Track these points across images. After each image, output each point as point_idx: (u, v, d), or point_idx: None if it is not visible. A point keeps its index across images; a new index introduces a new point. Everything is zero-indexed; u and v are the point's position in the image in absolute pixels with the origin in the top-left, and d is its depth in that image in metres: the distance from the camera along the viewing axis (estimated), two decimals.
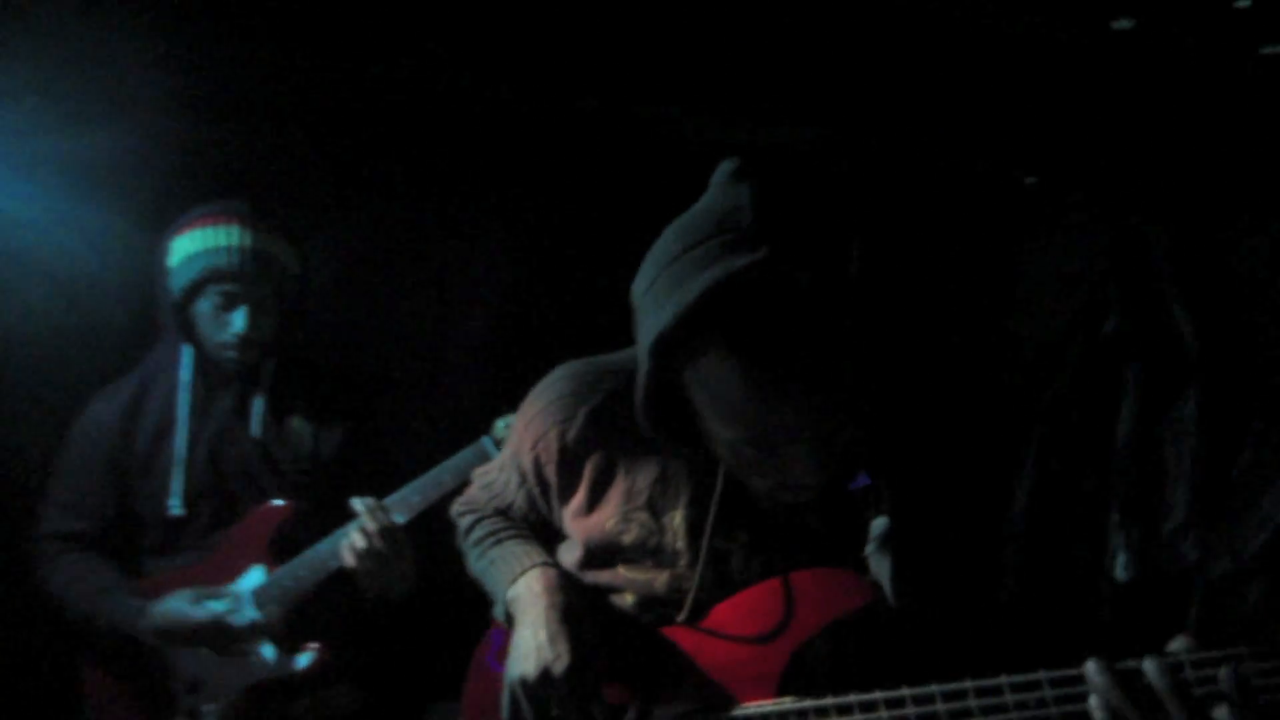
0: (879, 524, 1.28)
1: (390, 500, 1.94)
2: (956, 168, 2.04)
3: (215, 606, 1.98)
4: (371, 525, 1.89)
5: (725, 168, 1.14)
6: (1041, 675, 1.08)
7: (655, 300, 1.08)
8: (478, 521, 1.50)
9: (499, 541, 1.44)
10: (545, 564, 1.36)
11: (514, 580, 1.34)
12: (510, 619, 1.34)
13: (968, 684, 1.11)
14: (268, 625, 2.01)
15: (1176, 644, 1.02)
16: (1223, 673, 0.97)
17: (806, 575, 1.26)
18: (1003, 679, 1.09)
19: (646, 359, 1.11)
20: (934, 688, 1.12)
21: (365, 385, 2.26)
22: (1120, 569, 1.85)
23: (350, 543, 1.90)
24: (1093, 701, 1.03)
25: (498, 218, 2.60)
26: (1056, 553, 1.92)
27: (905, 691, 1.14)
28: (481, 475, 1.58)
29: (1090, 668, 1.02)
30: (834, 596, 1.25)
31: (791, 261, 1.02)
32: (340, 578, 1.96)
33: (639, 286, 1.14)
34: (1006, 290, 2.06)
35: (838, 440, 1.11)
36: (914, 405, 1.35)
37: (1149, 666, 1.00)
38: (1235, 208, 1.75)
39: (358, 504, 1.91)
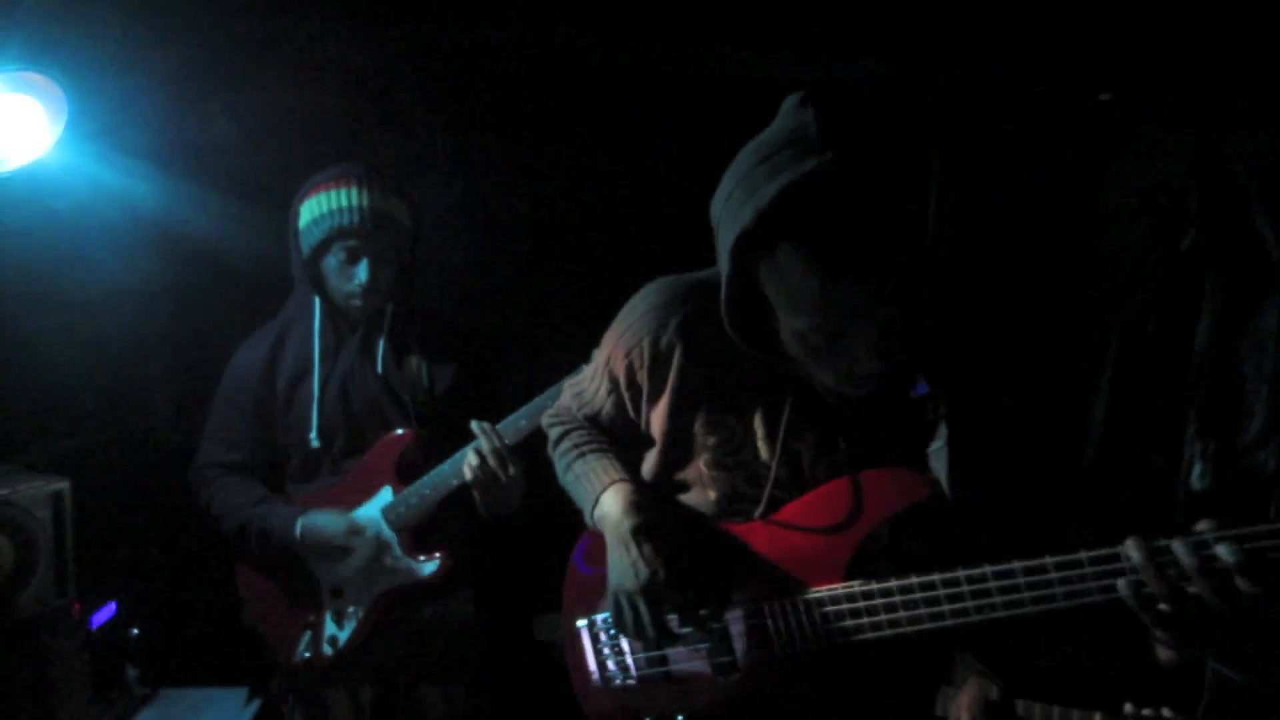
0: (940, 428, 1.38)
1: (502, 425, 2.12)
2: (1032, 86, 2.04)
3: (355, 520, 2.23)
4: (487, 446, 2.08)
5: (792, 98, 1.26)
6: (1083, 555, 1.18)
7: (734, 207, 1.22)
8: (566, 433, 1.64)
9: (582, 455, 1.58)
10: (622, 480, 1.49)
11: (597, 498, 1.48)
12: (597, 530, 1.50)
13: (1016, 565, 1.22)
14: (396, 541, 2.25)
15: (1203, 524, 1.11)
16: (1232, 550, 1.06)
17: (871, 473, 1.38)
18: (1047, 559, 1.20)
19: (728, 260, 1.24)
20: (987, 569, 1.23)
21: (473, 326, 2.44)
22: (1196, 479, 1.88)
23: (468, 462, 2.10)
24: (1120, 583, 1.12)
25: (585, 167, 2.72)
26: (1133, 462, 1.96)
27: (960, 573, 1.26)
28: (573, 385, 1.71)
29: (1129, 544, 1.12)
30: (896, 492, 1.37)
31: (852, 164, 1.15)
32: (461, 495, 2.17)
33: (718, 200, 1.28)
34: (1086, 205, 2.07)
35: (896, 329, 1.23)
36: (974, 316, 1.44)
37: (1177, 546, 1.09)
38: None
39: (475, 427, 2.10)
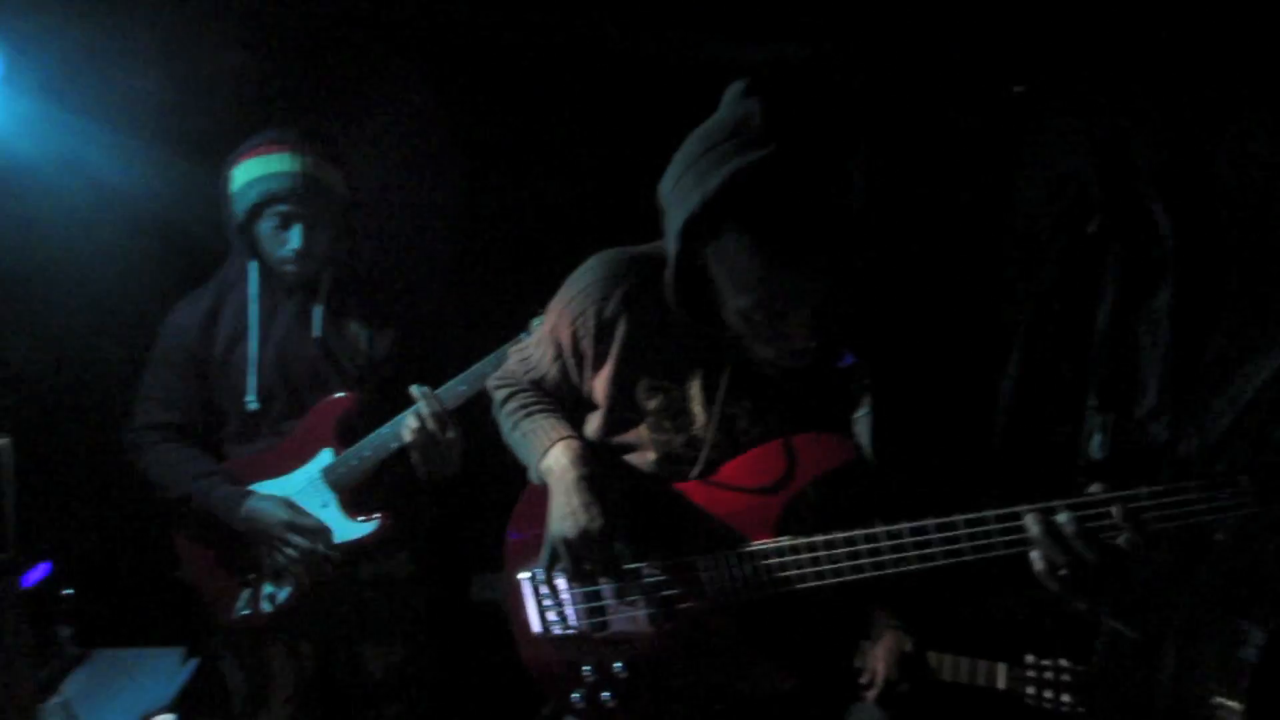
0: (864, 397, 1.49)
1: (442, 390, 2.17)
2: (950, 79, 2.15)
3: (299, 520, 2.24)
4: (426, 409, 2.13)
5: (735, 87, 1.35)
6: (989, 513, 1.30)
7: (682, 192, 1.31)
8: (512, 394, 1.70)
9: (529, 414, 1.64)
10: (571, 436, 1.57)
11: (544, 452, 1.56)
12: (542, 483, 1.57)
13: (930, 521, 1.33)
14: (338, 499, 2.28)
15: (1094, 486, 1.23)
16: (1115, 510, 1.19)
17: (800, 437, 1.49)
18: (957, 516, 1.32)
19: (676, 242, 1.33)
20: (904, 525, 1.35)
21: (412, 291, 2.47)
22: (1096, 448, 2.03)
23: (407, 425, 2.14)
24: (1033, 554, 1.25)
25: (528, 133, 2.75)
26: (1040, 431, 2.10)
27: (880, 529, 1.37)
28: (519, 351, 1.78)
29: (1028, 519, 1.24)
30: (823, 455, 1.48)
31: (794, 156, 1.24)
32: (400, 458, 2.22)
33: (666, 184, 1.36)
34: (1000, 191, 2.20)
35: (831, 309, 1.34)
36: (897, 294, 1.55)
37: (1061, 517, 1.22)
38: (1218, 110, 1.86)
39: (415, 391, 2.14)
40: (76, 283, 2.67)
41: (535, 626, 1.65)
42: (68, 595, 2.65)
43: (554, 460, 1.54)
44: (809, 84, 2.11)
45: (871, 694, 2.33)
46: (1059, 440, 2.04)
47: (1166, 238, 1.89)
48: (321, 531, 2.25)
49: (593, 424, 1.63)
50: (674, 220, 1.32)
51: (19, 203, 2.47)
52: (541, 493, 1.59)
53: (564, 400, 1.69)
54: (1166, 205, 1.88)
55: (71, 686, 2.55)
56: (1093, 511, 1.24)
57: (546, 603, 1.65)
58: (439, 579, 2.54)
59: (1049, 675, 2.21)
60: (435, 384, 2.17)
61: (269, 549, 2.29)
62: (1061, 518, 1.24)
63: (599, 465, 1.53)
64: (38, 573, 2.58)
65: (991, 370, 2.10)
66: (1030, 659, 2.24)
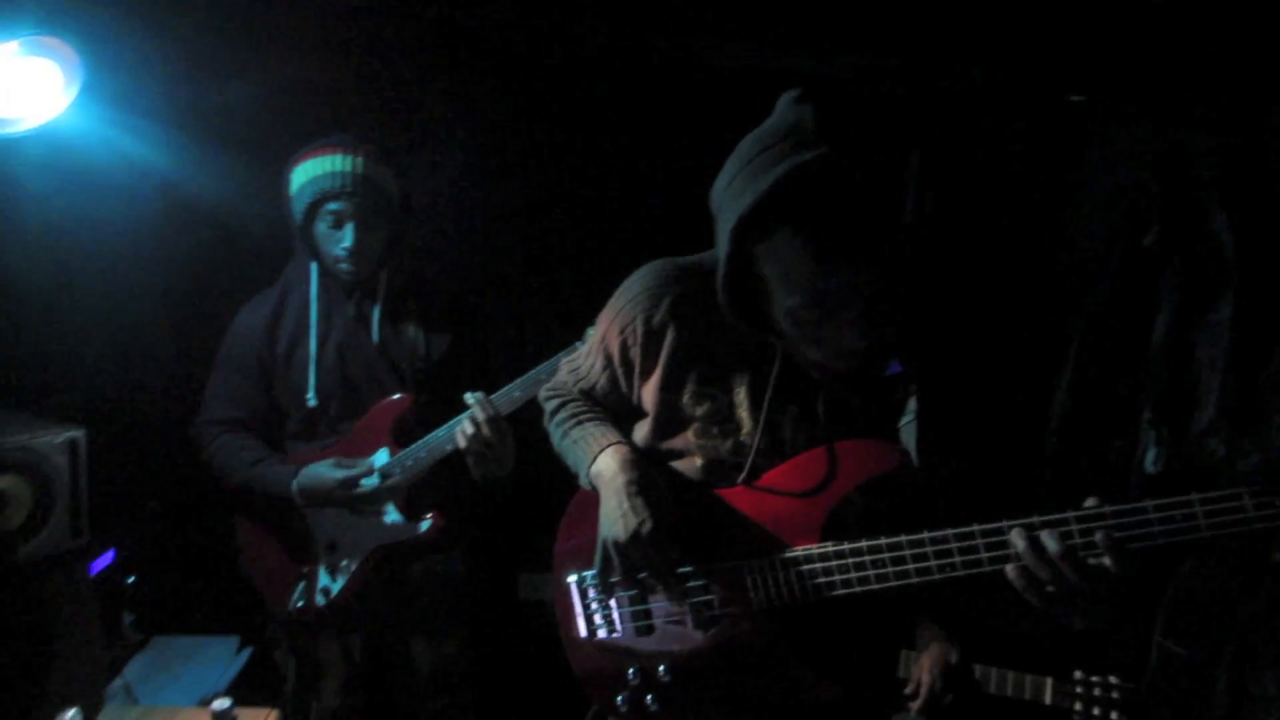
0: (910, 404, 1.49)
1: (496, 395, 2.21)
2: (1008, 88, 2.14)
3: (350, 471, 2.32)
4: (480, 414, 2.17)
5: (788, 95, 1.37)
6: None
7: (735, 192, 1.33)
8: (563, 404, 1.73)
9: (580, 423, 1.67)
10: (620, 442, 1.59)
11: (594, 458, 1.58)
12: (593, 488, 1.59)
13: (975, 528, 1.34)
14: (392, 493, 2.34)
15: (1090, 501, 1.25)
16: (1098, 537, 1.20)
17: (846, 443, 1.50)
18: (1004, 523, 1.32)
19: (728, 242, 1.34)
20: (948, 531, 1.35)
21: (469, 297, 2.51)
22: (1150, 463, 2.00)
23: (462, 429, 2.19)
24: (1009, 568, 1.27)
25: (581, 148, 2.79)
26: (1093, 446, 2.08)
27: (925, 535, 1.37)
28: (569, 362, 1.82)
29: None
30: (868, 461, 1.48)
31: (847, 157, 1.27)
32: (454, 459, 2.26)
33: (719, 187, 1.39)
34: (1057, 202, 2.18)
35: (879, 310, 1.35)
36: (946, 302, 1.55)
37: (1044, 535, 1.24)
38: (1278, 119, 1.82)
39: (470, 397, 2.19)
40: (148, 285, 2.77)
41: (582, 630, 1.67)
42: (130, 583, 2.75)
43: (603, 465, 1.56)
44: (861, 93, 2.11)
45: (916, 705, 2.33)
46: (1113, 454, 2.02)
47: (1227, 249, 1.86)
48: (370, 467, 2.32)
49: (642, 431, 1.65)
50: (726, 221, 1.34)
51: (96, 208, 2.57)
52: (590, 499, 1.61)
53: (614, 409, 1.71)
54: (1228, 216, 1.85)
55: (132, 670, 2.66)
56: (1078, 528, 1.25)
57: (593, 606, 1.67)
58: (488, 578, 2.58)
59: (1098, 692, 2.19)
60: (489, 389, 2.21)
61: (326, 516, 2.35)
62: (1044, 536, 1.25)
63: (648, 469, 1.55)
64: (103, 560, 2.68)
65: (1039, 379, 2.08)
66: (1079, 674, 2.22)
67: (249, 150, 2.56)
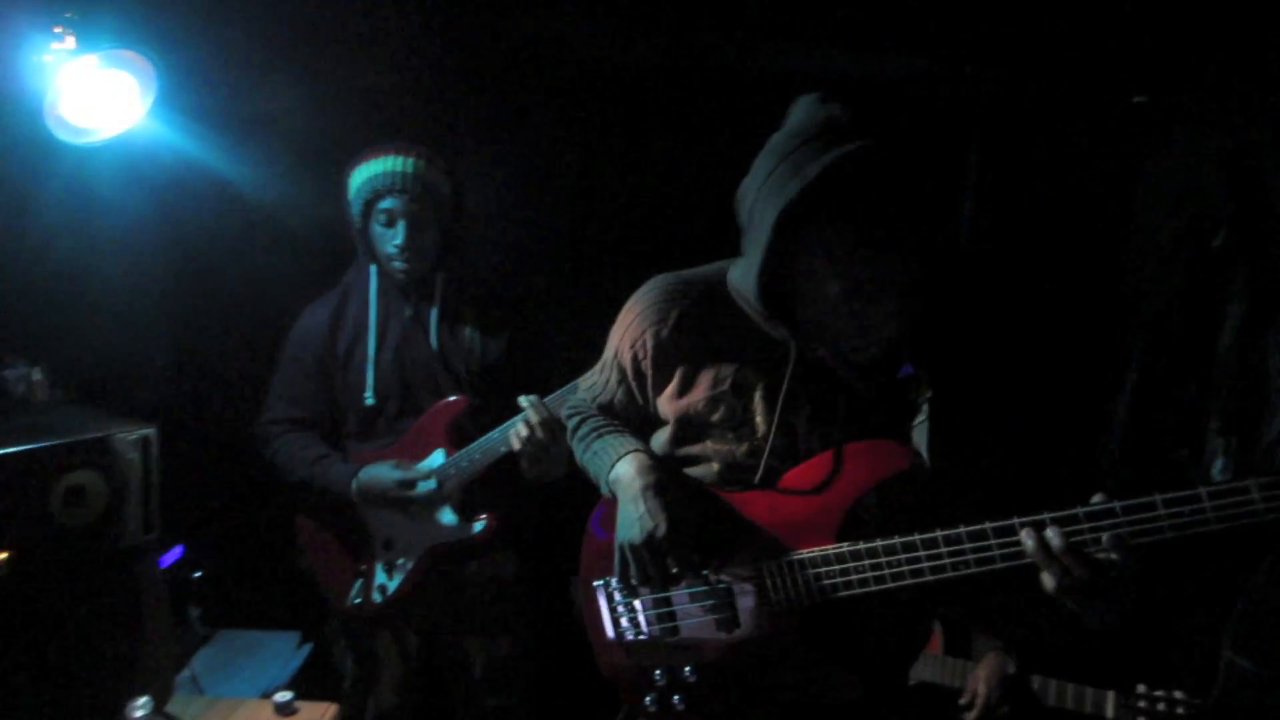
0: (923, 405, 1.50)
1: (550, 397, 2.24)
2: (1071, 88, 2.10)
3: (408, 473, 2.37)
4: (534, 417, 2.20)
5: (808, 97, 1.42)
6: (1045, 516, 1.31)
7: (777, 184, 1.36)
8: (584, 419, 1.76)
9: (600, 435, 1.70)
10: (638, 449, 1.62)
11: (614, 465, 1.60)
12: (613, 496, 1.62)
13: (988, 525, 1.35)
14: (447, 495, 2.39)
15: (1096, 498, 1.26)
16: (1105, 538, 1.22)
17: (860, 444, 1.51)
18: (1015, 520, 1.32)
19: (769, 232, 1.37)
20: (962, 529, 1.37)
21: (525, 299, 2.55)
22: (1218, 472, 1.94)
23: (516, 431, 2.22)
24: (1044, 576, 1.28)
25: (642, 146, 2.81)
26: (1157, 455, 2.03)
27: (939, 534, 1.39)
28: (585, 379, 1.85)
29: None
30: (882, 461, 1.49)
31: (887, 148, 1.30)
32: (508, 461, 2.30)
33: (752, 184, 1.42)
34: (1121, 205, 2.13)
35: (914, 299, 1.37)
36: (975, 303, 1.56)
37: (1050, 532, 1.26)
38: None
39: (524, 400, 2.22)
40: (216, 288, 2.86)
41: (609, 632, 1.70)
42: (197, 578, 2.84)
43: (621, 471, 1.59)
44: (915, 95, 2.10)
45: (971, 716, 2.30)
46: (1178, 463, 1.97)
47: None
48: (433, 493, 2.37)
49: (660, 438, 1.68)
50: (767, 212, 1.36)
51: (167, 214, 2.67)
52: (613, 507, 1.64)
53: (632, 421, 1.74)
54: None
55: (199, 662, 2.74)
56: (1087, 525, 1.25)
57: (619, 609, 1.69)
58: (542, 579, 2.60)
59: (1162, 707, 2.13)
60: (544, 392, 2.24)
61: (383, 516, 2.40)
62: (1049, 534, 1.26)
63: (664, 474, 1.57)
64: (172, 555, 2.77)
65: (1096, 385, 2.04)
66: (1142, 689, 2.16)
67: (313, 157, 2.63)
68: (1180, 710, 2.12)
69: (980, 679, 2.30)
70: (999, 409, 1.51)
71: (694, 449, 1.62)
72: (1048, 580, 1.27)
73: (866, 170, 1.30)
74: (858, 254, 1.33)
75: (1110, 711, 2.20)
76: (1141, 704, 2.15)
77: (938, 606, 1.70)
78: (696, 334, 1.56)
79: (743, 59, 2.39)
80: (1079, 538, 1.25)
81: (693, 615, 1.60)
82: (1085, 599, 1.27)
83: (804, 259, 1.38)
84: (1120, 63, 1.91)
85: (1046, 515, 1.28)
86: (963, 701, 2.32)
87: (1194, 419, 1.94)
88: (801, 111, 1.40)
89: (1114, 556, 1.23)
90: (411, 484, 2.36)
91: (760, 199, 1.38)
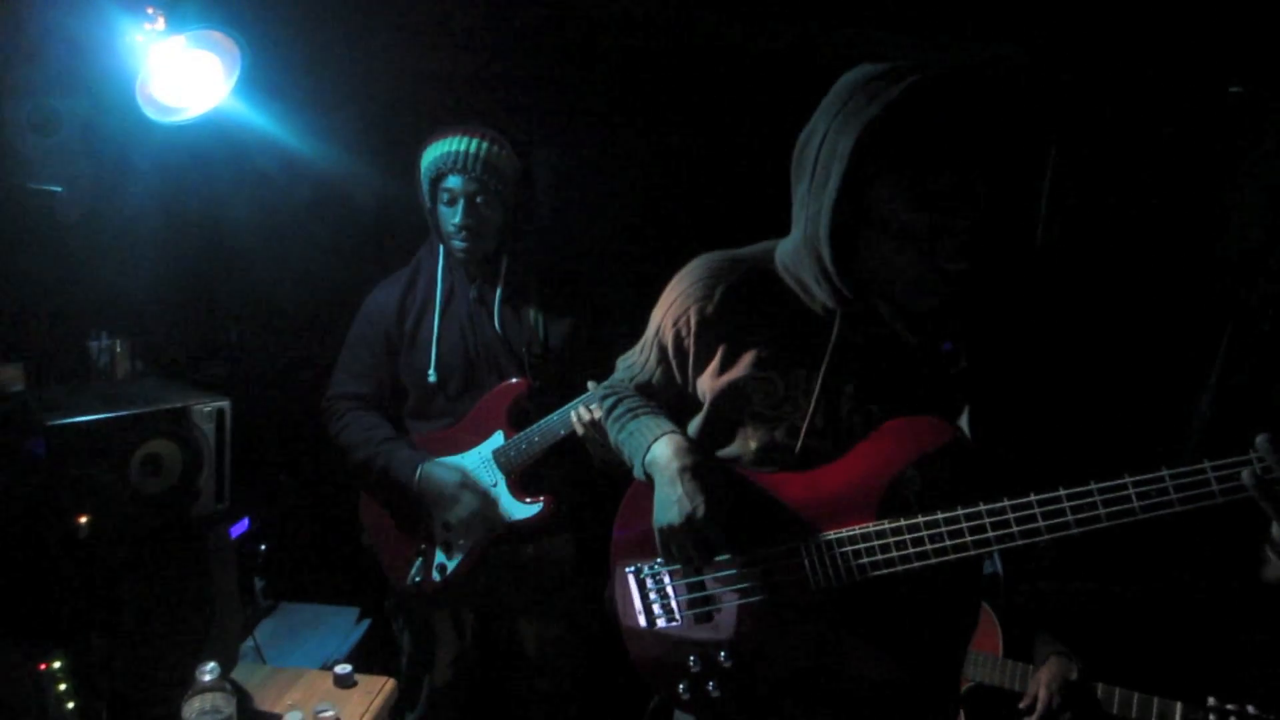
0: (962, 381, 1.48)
1: (589, 394, 2.23)
2: (1163, 76, 2.02)
3: (469, 479, 2.39)
4: (586, 417, 2.19)
5: (850, 72, 1.39)
6: (1093, 485, 1.30)
7: (853, 112, 1.34)
8: (619, 400, 1.75)
9: (635, 416, 1.69)
10: (674, 431, 1.61)
11: (649, 447, 1.60)
12: (649, 478, 1.61)
13: (1033, 497, 1.33)
14: (507, 480, 2.40)
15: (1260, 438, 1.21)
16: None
17: (898, 421, 1.49)
18: (1060, 491, 1.31)
19: (843, 162, 1.34)
20: (1005, 502, 1.34)
21: (589, 282, 2.55)
22: None
23: (577, 414, 2.23)
24: (1245, 473, 1.23)
25: (708, 131, 2.80)
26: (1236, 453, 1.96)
27: (981, 507, 1.37)
28: (624, 359, 1.83)
29: (1260, 439, 1.22)
30: (922, 437, 1.47)
31: (963, 80, 1.30)
32: (566, 444, 2.31)
33: (821, 122, 1.40)
34: (1213, 198, 2.05)
35: (984, 233, 1.35)
36: (1027, 288, 1.52)
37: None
38: None
39: (591, 385, 2.22)
40: (292, 266, 2.92)
41: (641, 620, 1.68)
42: (262, 550, 2.90)
43: (658, 452, 1.58)
44: (1001, 82, 2.05)
45: None
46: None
47: None
48: (489, 498, 2.39)
49: (698, 420, 1.66)
50: (843, 139, 1.34)
51: (248, 193, 2.73)
52: (645, 490, 1.63)
53: (670, 403, 1.72)
54: None
55: (261, 632, 2.81)
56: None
57: (652, 596, 1.67)
58: (599, 563, 2.61)
59: None
60: (606, 375, 2.24)
61: (440, 509, 2.43)
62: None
63: (701, 456, 1.56)
64: (238, 528, 2.84)
65: (1187, 387, 1.97)
66: (1212, 701, 2.09)
67: (390, 138, 2.67)
68: None
69: (1041, 683, 2.25)
70: (1040, 388, 1.47)
71: (733, 429, 1.61)
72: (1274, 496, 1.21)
73: (944, 100, 1.30)
74: (934, 180, 1.31)
75: None
76: (1212, 716, 2.08)
77: (979, 587, 1.67)
78: (741, 311, 1.55)
79: (812, 42, 2.35)
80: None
81: (729, 599, 1.59)
82: None
83: (878, 189, 1.36)
84: (1216, 51, 1.83)
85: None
86: (1022, 706, 2.27)
87: (1277, 421, 1.86)
88: (854, 72, 1.39)
89: None
90: (469, 486, 2.38)
91: (831, 134, 1.36)
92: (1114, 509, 1.28)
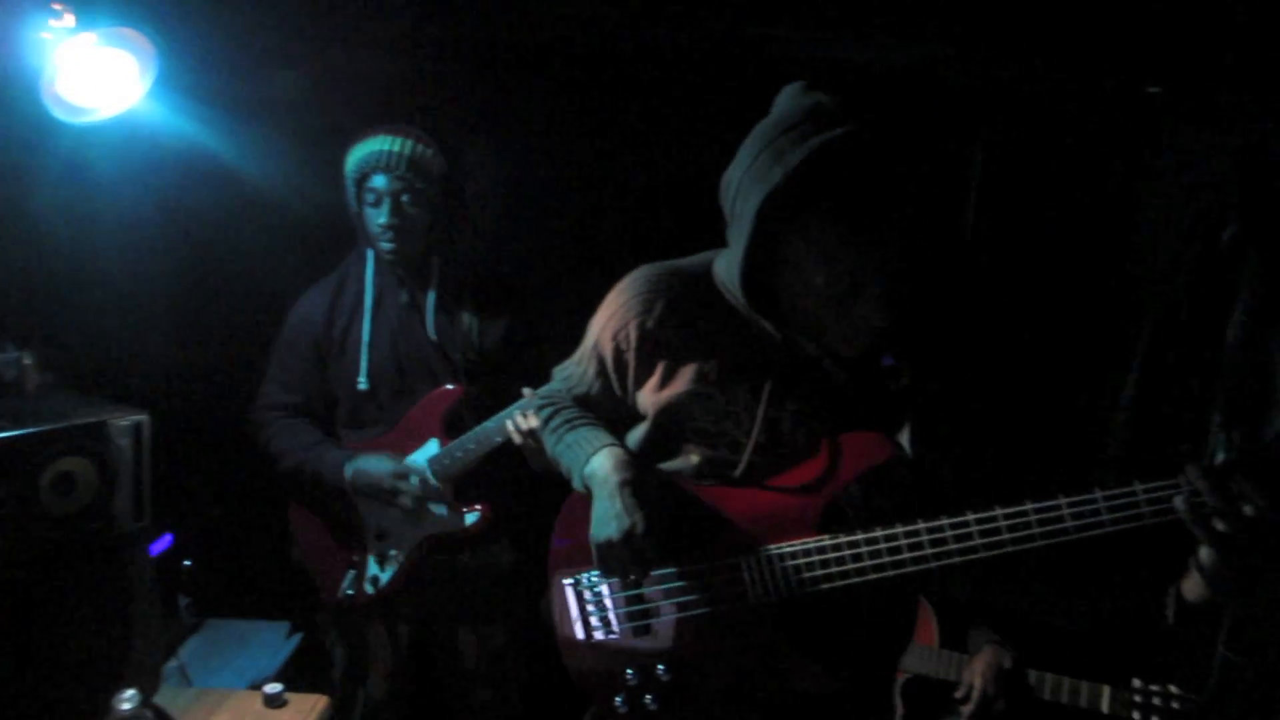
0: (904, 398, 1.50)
1: (525, 403, 2.20)
2: (1081, 80, 2.08)
3: (401, 465, 2.34)
4: (524, 425, 2.16)
5: (793, 86, 1.40)
6: (1029, 505, 1.31)
7: (760, 170, 1.34)
8: (556, 411, 1.73)
9: (574, 428, 1.67)
10: (613, 444, 1.59)
11: (587, 460, 1.58)
12: (588, 490, 1.59)
13: (970, 516, 1.35)
14: (440, 489, 2.36)
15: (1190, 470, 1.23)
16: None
17: (841, 436, 1.50)
18: (997, 510, 1.33)
19: (751, 220, 1.35)
20: (944, 520, 1.36)
21: (524, 286, 2.52)
22: None
23: (514, 421, 2.19)
24: (1177, 500, 1.24)
25: (644, 131, 2.79)
26: (1160, 448, 2.02)
27: (921, 525, 1.38)
28: (560, 370, 1.81)
29: (1189, 468, 1.24)
30: (863, 453, 1.49)
31: (871, 133, 1.30)
32: (503, 451, 2.26)
33: (735, 173, 1.41)
34: (1131, 197, 2.12)
35: (903, 285, 1.36)
36: (957, 296, 1.55)
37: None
38: None
39: (527, 391, 2.19)
40: (213, 272, 2.81)
41: (578, 631, 1.66)
42: (187, 566, 2.79)
43: (597, 465, 1.55)
44: (920, 85, 2.08)
45: (968, 710, 2.29)
46: (1181, 458, 1.96)
47: None
48: (428, 485, 2.35)
49: (638, 433, 1.65)
50: (749, 200, 1.34)
51: (165, 196, 2.62)
52: (583, 500, 1.61)
53: (608, 415, 1.70)
54: None
55: (186, 651, 2.70)
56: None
57: (590, 608, 1.66)
58: (537, 571, 2.58)
59: (1157, 701, 2.13)
60: (543, 382, 2.20)
61: (376, 507, 2.38)
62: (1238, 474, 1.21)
63: (641, 470, 1.55)
64: (160, 544, 2.72)
65: (1097, 378, 2.03)
66: (1138, 683, 2.16)
67: (314, 141, 2.59)
68: (1176, 705, 2.12)
69: (976, 672, 2.30)
70: (983, 401, 1.50)
71: (674, 444, 1.60)
72: (1206, 523, 1.23)
73: (852, 157, 1.29)
74: (844, 243, 1.32)
75: (1106, 706, 2.19)
76: (1137, 699, 2.15)
77: (917, 600, 1.70)
78: (681, 325, 1.54)
79: (747, 45, 2.36)
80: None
81: (667, 612, 1.58)
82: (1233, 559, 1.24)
83: (789, 249, 1.37)
84: (1133, 53, 1.89)
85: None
86: (958, 695, 2.32)
87: (1198, 414, 1.94)
88: (786, 100, 1.39)
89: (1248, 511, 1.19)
90: (405, 476, 2.33)
91: (743, 187, 1.36)
92: (1048, 529, 1.30)
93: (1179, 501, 1.23)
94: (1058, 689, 2.25)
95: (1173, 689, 2.14)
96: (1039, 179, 2.17)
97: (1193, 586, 1.33)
